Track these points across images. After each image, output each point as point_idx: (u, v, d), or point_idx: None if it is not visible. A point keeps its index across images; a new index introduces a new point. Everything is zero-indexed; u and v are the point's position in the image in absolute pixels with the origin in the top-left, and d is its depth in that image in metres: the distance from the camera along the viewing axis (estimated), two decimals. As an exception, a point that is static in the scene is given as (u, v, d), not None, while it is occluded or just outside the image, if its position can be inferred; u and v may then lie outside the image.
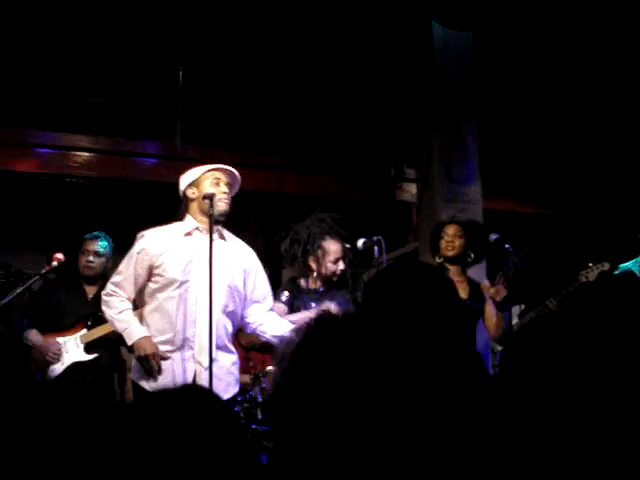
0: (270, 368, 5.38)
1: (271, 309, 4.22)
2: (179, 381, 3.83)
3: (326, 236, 4.66)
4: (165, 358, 3.89)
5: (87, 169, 6.65)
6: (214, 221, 4.02)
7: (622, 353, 1.47)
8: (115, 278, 4.10)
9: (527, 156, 7.78)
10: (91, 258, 5.28)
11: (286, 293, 4.63)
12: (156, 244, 4.01)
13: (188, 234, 4.07)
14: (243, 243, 4.27)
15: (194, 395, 1.48)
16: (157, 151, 6.89)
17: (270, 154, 7.11)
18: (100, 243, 5.34)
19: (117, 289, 4.06)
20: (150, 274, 3.99)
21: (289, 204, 7.08)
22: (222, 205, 4.06)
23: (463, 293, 4.70)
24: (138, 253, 4.03)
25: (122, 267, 4.09)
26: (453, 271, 4.74)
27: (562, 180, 7.95)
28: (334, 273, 4.63)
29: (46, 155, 6.58)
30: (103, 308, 4.14)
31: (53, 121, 6.62)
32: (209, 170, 4.15)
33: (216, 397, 1.51)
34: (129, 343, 3.99)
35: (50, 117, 6.61)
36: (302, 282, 4.70)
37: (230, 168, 4.20)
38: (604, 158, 7.82)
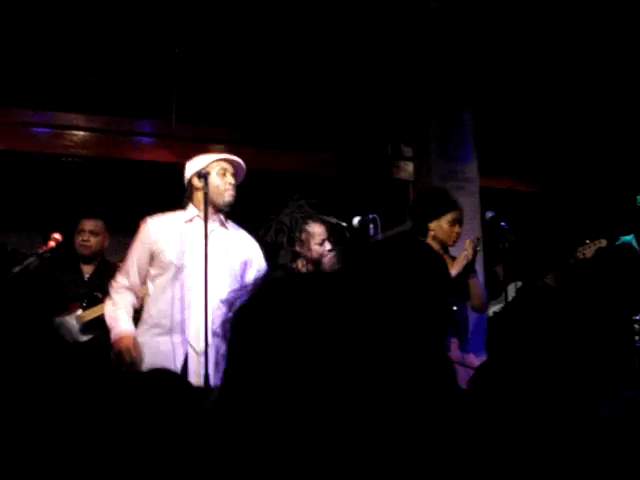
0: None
1: None
2: (169, 364, 3.85)
3: (308, 220, 4.66)
4: (156, 343, 3.94)
5: (83, 148, 6.62)
6: (218, 210, 4.06)
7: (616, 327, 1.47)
8: (122, 268, 4.19)
9: (524, 133, 7.76)
10: (86, 237, 5.30)
11: None
12: (157, 230, 4.09)
13: (189, 221, 4.12)
14: (246, 234, 4.32)
15: (161, 379, 1.48)
16: (152, 130, 6.87)
17: (265, 132, 7.08)
18: (95, 222, 5.35)
19: (120, 280, 4.13)
20: (151, 259, 4.06)
21: (286, 182, 7.07)
22: (228, 197, 4.13)
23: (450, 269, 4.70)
24: (140, 239, 4.11)
25: (128, 254, 4.18)
26: (438, 249, 4.66)
27: (559, 157, 7.94)
28: (322, 255, 4.63)
29: (42, 134, 6.55)
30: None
31: (48, 100, 6.59)
32: (216, 160, 4.20)
33: (184, 382, 1.51)
34: (112, 339, 4.06)
35: (45, 96, 6.58)
36: (293, 267, 4.70)
37: (236, 158, 4.25)
38: (601, 134, 7.81)
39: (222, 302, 0.95)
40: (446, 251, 4.73)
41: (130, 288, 4.12)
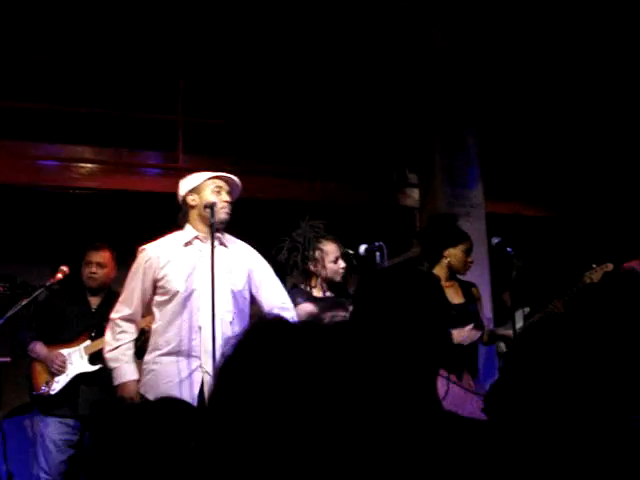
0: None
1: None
2: (185, 391, 3.83)
3: (321, 238, 4.67)
4: (172, 371, 3.91)
5: (90, 180, 6.66)
6: (214, 229, 4.05)
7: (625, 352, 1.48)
8: (119, 302, 4.13)
9: (529, 158, 7.78)
10: (94, 269, 5.30)
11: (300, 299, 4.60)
12: (157, 257, 4.03)
13: (188, 243, 4.09)
14: (244, 244, 4.27)
15: (171, 408, 1.49)
16: (159, 161, 6.91)
17: (272, 162, 7.12)
18: (102, 254, 5.36)
19: (120, 311, 4.08)
20: (155, 287, 4.02)
21: (291, 211, 7.08)
22: (223, 215, 4.09)
23: (459, 297, 4.71)
24: (141, 268, 4.05)
25: (126, 285, 4.12)
26: (446, 276, 4.73)
27: (565, 182, 7.94)
28: (337, 272, 4.63)
29: (49, 167, 6.60)
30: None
31: (56, 133, 6.65)
32: (210, 178, 4.17)
33: (193, 410, 1.51)
34: (115, 383, 4.02)
35: (53, 129, 6.64)
36: (307, 289, 4.69)
37: (231, 176, 4.22)
38: (607, 158, 7.81)
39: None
40: (455, 278, 4.77)
41: (131, 319, 4.06)
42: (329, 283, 4.66)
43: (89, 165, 6.67)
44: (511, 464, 1.35)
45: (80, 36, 6.64)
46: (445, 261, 4.72)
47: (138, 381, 4.00)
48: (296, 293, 4.64)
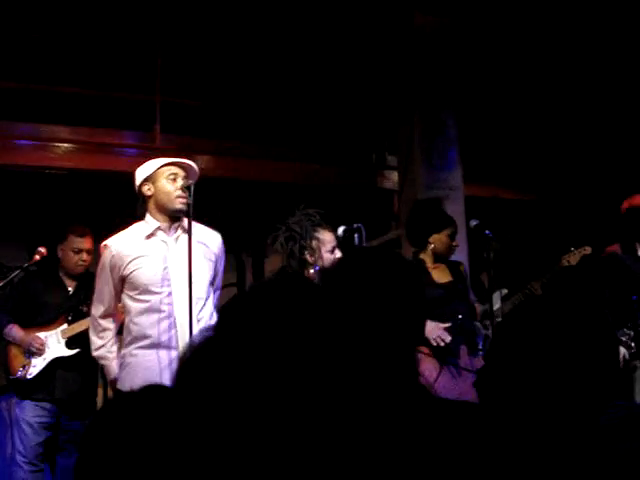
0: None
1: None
2: (164, 382, 3.79)
3: (318, 227, 4.62)
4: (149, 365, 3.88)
5: (65, 160, 6.60)
6: (170, 218, 3.99)
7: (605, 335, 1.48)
8: (93, 299, 4.12)
9: (508, 141, 7.79)
10: (85, 257, 5.24)
11: None
12: (122, 253, 3.95)
13: (151, 235, 4.00)
14: (207, 229, 4.18)
15: (156, 395, 1.47)
16: (136, 141, 6.85)
17: (249, 142, 7.08)
18: (90, 239, 5.29)
19: (97, 311, 4.06)
20: (123, 283, 3.95)
21: (270, 193, 7.07)
22: (178, 204, 3.96)
23: (446, 276, 4.74)
24: (107, 266, 3.98)
25: (96, 283, 4.08)
26: (431, 260, 4.76)
27: (543, 165, 7.96)
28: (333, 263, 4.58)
29: (24, 147, 6.53)
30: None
31: (31, 112, 6.57)
32: (164, 165, 4.05)
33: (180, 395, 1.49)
34: (108, 378, 4.12)
35: (28, 108, 6.56)
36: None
37: (186, 161, 4.10)
38: (586, 142, 7.84)
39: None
40: (442, 261, 4.80)
41: (108, 314, 4.05)
42: None
43: (65, 145, 6.60)
44: (496, 449, 1.34)
45: (56, 13, 6.56)
46: (430, 246, 4.76)
47: None
48: (289, 275, 4.59)
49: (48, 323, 5.11)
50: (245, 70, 7.09)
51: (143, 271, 3.90)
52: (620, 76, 7.43)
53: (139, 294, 3.90)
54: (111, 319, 4.07)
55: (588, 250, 5.32)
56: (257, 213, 6.88)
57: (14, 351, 5.08)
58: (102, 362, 4.11)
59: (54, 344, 5.05)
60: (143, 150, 6.78)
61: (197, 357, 0.93)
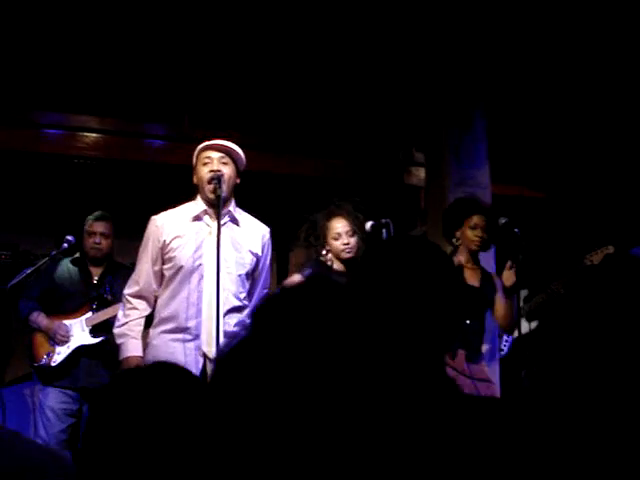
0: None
1: None
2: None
3: (329, 215, 4.58)
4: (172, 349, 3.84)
5: (95, 150, 6.63)
6: (210, 205, 3.93)
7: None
8: (131, 277, 4.04)
9: (537, 140, 7.74)
10: (98, 240, 5.24)
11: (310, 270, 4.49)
12: (165, 227, 3.91)
13: (197, 218, 3.97)
14: (261, 225, 4.14)
15: (167, 373, 1.47)
16: (165, 132, 6.87)
17: (278, 137, 7.08)
18: (106, 224, 5.30)
19: (130, 288, 3.98)
20: (163, 259, 3.90)
21: (296, 187, 7.07)
22: (210, 193, 3.89)
23: (475, 280, 4.66)
24: (150, 238, 3.94)
25: (138, 259, 4.01)
26: (467, 258, 4.69)
27: (572, 164, 7.90)
28: (338, 250, 4.51)
29: (54, 136, 6.56)
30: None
31: (61, 102, 6.60)
32: (200, 152, 3.99)
33: (190, 375, 1.49)
34: (119, 358, 3.95)
35: (58, 98, 6.59)
36: (328, 262, 4.60)
37: (222, 142, 4.00)
38: (613, 142, 7.77)
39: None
40: (475, 261, 4.72)
41: (141, 295, 3.95)
42: (340, 260, 4.55)
43: (93, 134, 6.63)
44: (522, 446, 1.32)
45: (89, 4, 6.58)
46: (459, 243, 4.70)
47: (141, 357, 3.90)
48: (315, 266, 4.54)
49: (73, 311, 5.13)
50: (276, 65, 7.08)
51: (180, 251, 3.86)
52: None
53: (173, 274, 3.86)
54: (144, 301, 3.97)
55: (611, 249, 5.24)
56: (283, 208, 6.88)
57: (39, 338, 5.10)
58: (120, 340, 3.94)
59: (78, 332, 5.07)
60: (171, 141, 6.80)
61: (232, 357, 0.92)
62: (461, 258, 4.64)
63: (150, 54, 6.77)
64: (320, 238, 4.56)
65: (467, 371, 4.36)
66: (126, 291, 4.02)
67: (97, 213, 5.34)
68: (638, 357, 1.48)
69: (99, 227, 5.26)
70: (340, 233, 4.50)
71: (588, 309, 1.55)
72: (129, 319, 3.94)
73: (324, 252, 4.56)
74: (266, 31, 6.90)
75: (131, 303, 3.96)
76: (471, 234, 4.65)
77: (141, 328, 3.97)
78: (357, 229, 4.52)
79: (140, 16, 6.59)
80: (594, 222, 7.32)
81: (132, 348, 3.90)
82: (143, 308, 3.97)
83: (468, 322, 4.48)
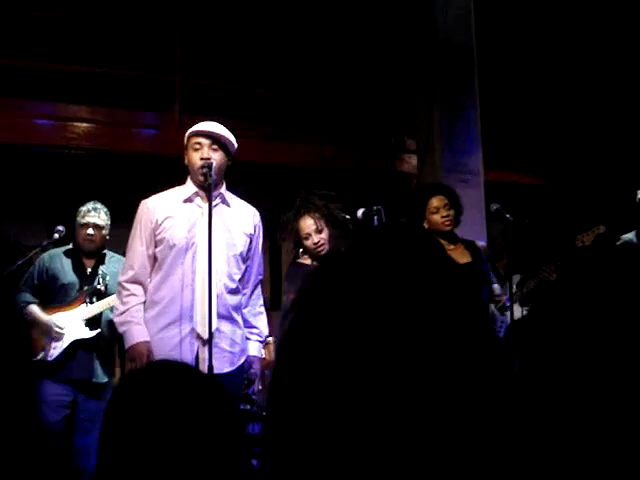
0: (270, 339, 5.37)
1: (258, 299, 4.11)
2: (183, 355, 3.74)
3: (298, 215, 4.57)
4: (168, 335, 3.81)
5: (85, 140, 6.60)
6: (201, 188, 3.90)
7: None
8: (124, 263, 3.99)
9: (529, 127, 7.74)
10: (91, 231, 5.17)
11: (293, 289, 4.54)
12: (156, 209, 3.88)
13: (188, 200, 3.96)
14: (250, 208, 4.13)
15: (171, 371, 1.47)
16: (155, 122, 6.84)
17: (269, 124, 7.06)
18: (100, 215, 5.24)
19: (125, 275, 3.92)
20: (156, 241, 3.86)
21: (287, 176, 7.05)
22: (201, 176, 3.86)
23: (465, 257, 4.66)
24: (141, 221, 3.90)
25: (129, 244, 3.96)
26: (445, 242, 4.66)
27: (564, 150, 7.91)
28: (311, 249, 4.51)
29: (44, 126, 6.53)
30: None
31: (51, 92, 6.57)
32: (191, 136, 3.95)
33: (197, 373, 1.50)
34: (125, 346, 3.85)
35: (48, 88, 6.56)
36: (302, 260, 4.63)
37: (212, 129, 3.95)
38: (605, 128, 7.78)
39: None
40: (454, 240, 4.72)
41: (137, 280, 3.90)
42: (317, 258, 4.55)
43: (84, 124, 6.60)
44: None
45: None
46: (429, 230, 4.67)
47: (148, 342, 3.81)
48: (292, 273, 4.58)
49: (67, 303, 5.09)
50: (265, 52, 7.06)
51: (173, 231, 3.83)
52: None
53: (165, 255, 3.83)
54: (140, 287, 3.90)
55: (602, 229, 5.23)
56: (274, 195, 6.87)
57: (35, 332, 5.06)
58: (122, 328, 3.85)
59: (74, 325, 5.03)
60: (162, 131, 6.78)
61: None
62: (443, 244, 4.64)
63: (139, 43, 6.74)
64: (294, 239, 4.57)
65: None
66: (121, 278, 3.96)
67: (90, 204, 5.27)
68: (627, 341, 1.48)
69: (92, 218, 5.20)
70: (309, 233, 4.50)
71: (579, 294, 1.54)
72: (129, 306, 3.87)
73: (300, 251, 4.59)
74: (258, 18, 6.87)
75: (128, 289, 3.90)
76: (436, 217, 4.65)
77: (142, 314, 3.89)
78: (325, 221, 4.51)
79: (128, 3, 6.56)
80: (589, 208, 7.33)
81: (138, 334, 3.80)
82: (141, 294, 3.91)
83: None
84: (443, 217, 4.64)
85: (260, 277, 4.16)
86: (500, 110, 7.53)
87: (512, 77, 7.53)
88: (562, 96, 7.74)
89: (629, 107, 7.63)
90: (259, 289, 4.17)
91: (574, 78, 7.63)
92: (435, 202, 4.67)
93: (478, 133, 6.92)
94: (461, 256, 4.64)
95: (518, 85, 7.59)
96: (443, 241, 4.65)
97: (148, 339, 3.81)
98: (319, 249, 4.47)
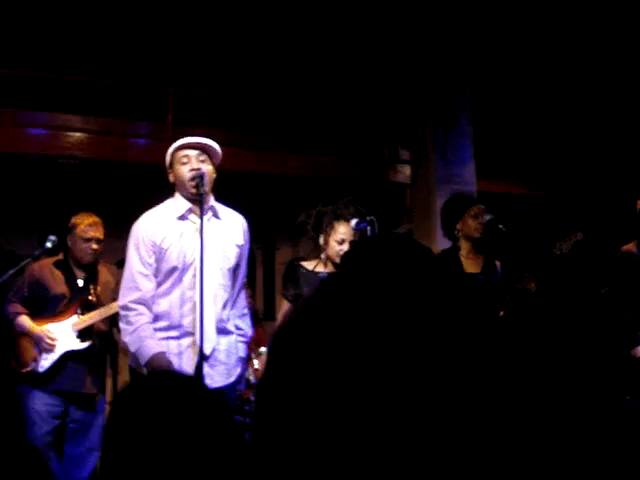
0: (263, 349, 5.36)
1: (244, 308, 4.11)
2: (182, 369, 3.72)
3: (341, 218, 4.59)
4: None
5: (79, 150, 6.59)
6: (191, 201, 3.88)
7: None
8: (123, 287, 3.92)
9: (522, 137, 7.75)
10: (94, 246, 5.14)
11: (292, 292, 4.53)
12: (153, 231, 3.85)
13: (182, 217, 3.95)
14: (239, 218, 4.13)
15: (170, 383, 1.48)
16: (149, 132, 6.84)
17: (262, 134, 7.06)
18: (100, 229, 5.20)
19: (129, 297, 3.85)
20: (156, 260, 3.83)
21: (281, 186, 7.05)
22: (192, 189, 3.84)
23: (475, 268, 4.73)
24: (140, 241, 3.85)
25: (127, 266, 3.92)
26: (469, 248, 4.81)
27: (558, 161, 7.92)
28: (337, 254, 4.53)
29: (37, 135, 6.52)
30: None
31: (45, 101, 6.57)
32: (177, 150, 3.93)
33: (196, 385, 1.50)
34: (142, 363, 3.72)
35: (42, 97, 6.56)
36: (305, 264, 4.62)
37: (197, 140, 3.94)
38: (600, 138, 7.80)
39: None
40: (478, 251, 4.83)
41: (144, 301, 3.83)
42: (332, 262, 4.57)
43: (77, 134, 6.60)
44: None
45: (69, 3, 6.54)
46: (460, 235, 4.82)
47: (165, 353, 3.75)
48: (289, 274, 4.58)
49: (58, 314, 5.06)
50: (259, 62, 7.07)
51: (171, 252, 3.81)
52: (631, 75, 7.39)
53: (165, 275, 3.83)
54: (146, 307, 3.82)
55: (580, 236, 5.24)
56: (268, 206, 6.87)
57: (25, 343, 5.02)
58: (135, 346, 3.74)
59: (65, 336, 4.99)
60: (155, 141, 6.77)
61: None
62: (463, 250, 4.76)
63: (132, 53, 6.75)
64: (322, 232, 4.55)
65: None
66: (127, 299, 3.86)
67: (90, 218, 5.22)
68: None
69: (95, 232, 5.16)
70: (344, 239, 4.53)
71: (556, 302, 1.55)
72: (138, 324, 3.78)
73: (321, 250, 4.57)
74: (251, 29, 6.88)
75: (135, 310, 3.82)
76: (474, 223, 4.80)
77: (152, 331, 3.80)
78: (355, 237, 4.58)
79: (120, 14, 6.57)
80: (585, 219, 7.34)
81: (153, 346, 3.71)
82: (148, 313, 3.83)
83: None
84: (480, 224, 4.82)
85: (244, 280, 4.17)
86: (494, 120, 7.55)
87: (506, 87, 7.55)
88: (556, 106, 7.76)
89: (619, 117, 7.65)
90: (243, 291, 4.18)
91: (568, 87, 7.65)
92: (477, 209, 4.86)
93: (471, 143, 6.94)
94: (472, 266, 4.76)
95: (512, 95, 7.61)
96: (466, 246, 4.78)
97: (165, 350, 3.75)
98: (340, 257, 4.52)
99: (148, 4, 6.67)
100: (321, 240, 4.54)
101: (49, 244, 5.14)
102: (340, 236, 4.52)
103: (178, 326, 3.78)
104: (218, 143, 4.07)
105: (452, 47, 6.95)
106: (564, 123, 7.83)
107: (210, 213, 3.95)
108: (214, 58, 7.00)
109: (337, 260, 4.54)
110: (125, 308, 3.85)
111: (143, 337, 3.75)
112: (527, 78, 7.58)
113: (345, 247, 4.51)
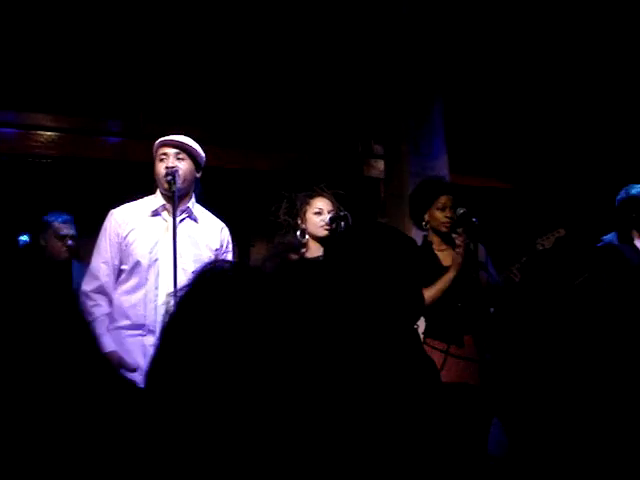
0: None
1: None
2: (142, 368, 3.70)
3: (313, 194, 4.52)
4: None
5: (49, 148, 6.53)
6: (168, 199, 3.90)
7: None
8: (88, 273, 3.94)
9: (496, 130, 7.77)
10: (70, 242, 5.17)
11: None
12: (122, 223, 3.88)
13: (155, 213, 3.94)
14: (216, 221, 4.12)
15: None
16: (120, 129, 6.79)
17: (235, 130, 7.03)
18: (72, 226, 5.21)
19: (88, 285, 3.87)
20: (121, 254, 3.85)
21: (254, 181, 7.02)
22: (166, 185, 3.87)
23: (448, 260, 4.60)
24: (107, 233, 3.89)
25: (94, 254, 3.94)
26: (438, 241, 4.68)
27: (531, 154, 7.95)
28: (317, 226, 4.42)
29: (6, 134, 6.45)
30: None
31: (14, 100, 6.49)
32: (157, 147, 3.98)
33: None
34: None
35: (10, 96, 6.48)
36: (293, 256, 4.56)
37: (176, 138, 3.97)
38: (574, 130, 7.84)
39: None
40: (448, 242, 4.69)
41: (102, 291, 3.87)
42: (317, 239, 4.45)
43: (48, 133, 6.53)
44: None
45: (41, 2, 6.48)
46: (428, 226, 4.67)
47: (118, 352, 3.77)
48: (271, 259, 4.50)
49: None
50: (229, 59, 7.03)
51: (136, 246, 3.82)
52: (603, 66, 7.44)
53: (129, 270, 3.81)
54: (105, 297, 3.87)
55: (562, 232, 5.24)
56: (241, 202, 6.84)
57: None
58: None
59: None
60: (127, 138, 6.72)
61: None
62: (434, 242, 4.63)
63: (103, 51, 6.69)
64: (296, 216, 4.48)
65: (477, 355, 4.36)
66: (86, 287, 3.91)
67: (64, 216, 5.24)
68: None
69: (70, 230, 5.18)
70: (322, 209, 4.45)
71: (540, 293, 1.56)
72: (94, 317, 3.79)
73: (298, 233, 4.49)
74: (221, 26, 6.85)
75: (93, 299, 3.85)
76: (440, 215, 4.62)
77: (107, 324, 3.85)
78: (337, 210, 4.49)
79: (93, 13, 6.51)
80: (550, 207, 7.37)
81: (107, 345, 3.69)
82: (106, 304, 3.88)
83: (459, 305, 4.44)
84: (447, 217, 4.61)
85: None
86: (467, 113, 7.57)
87: (479, 80, 7.57)
88: (529, 99, 7.79)
89: (594, 109, 7.69)
90: None
91: (540, 80, 7.69)
92: (444, 200, 4.63)
93: (444, 137, 6.95)
94: (447, 259, 4.61)
95: (485, 88, 7.63)
96: (437, 239, 4.66)
97: (115, 349, 3.77)
98: (324, 229, 4.42)
99: (119, 5, 6.62)
100: (298, 221, 4.46)
101: (21, 244, 5.12)
102: (317, 208, 4.44)
103: (142, 325, 3.78)
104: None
105: (424, 40, 6.96)
106: (538, 116, 7.86)
107: (185, 214, 3.93)
108: (184, 53, 6.96)
109: (320, 233, 4.44)
110: (85, 295, 3.86)
111: (98, 333, 3.73)
112: (499, 70, 7.60)
113: (325, 217, 4.41)
